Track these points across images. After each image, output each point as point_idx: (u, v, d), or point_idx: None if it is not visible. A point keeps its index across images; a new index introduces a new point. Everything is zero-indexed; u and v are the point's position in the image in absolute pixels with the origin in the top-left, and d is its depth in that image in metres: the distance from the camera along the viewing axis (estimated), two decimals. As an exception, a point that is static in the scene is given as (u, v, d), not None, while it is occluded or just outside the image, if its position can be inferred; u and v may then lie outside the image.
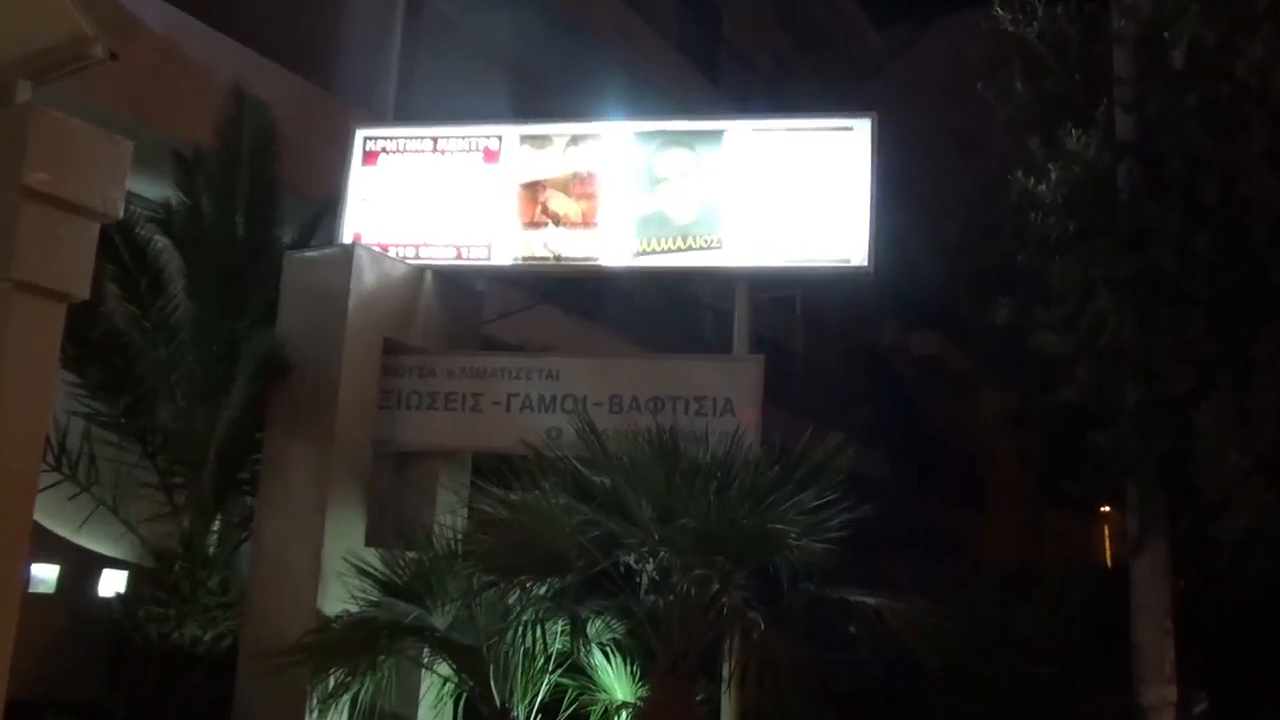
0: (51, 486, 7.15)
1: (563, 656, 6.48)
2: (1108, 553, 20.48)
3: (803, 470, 6.00)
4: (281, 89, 9.02)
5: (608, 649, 6.63)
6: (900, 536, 17.84)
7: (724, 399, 6.94)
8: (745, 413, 6.84)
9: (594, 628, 6.50)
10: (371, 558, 6.65)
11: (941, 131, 22.56)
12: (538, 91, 12.88)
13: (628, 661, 6.60)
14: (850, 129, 7.40)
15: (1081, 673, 9.74)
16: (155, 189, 7.86)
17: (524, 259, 7.62)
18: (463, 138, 7.85)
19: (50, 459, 7.12)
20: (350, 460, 7.06)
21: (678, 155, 7.59)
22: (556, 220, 7.61)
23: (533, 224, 7.64)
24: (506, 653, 6.28)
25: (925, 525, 20.92)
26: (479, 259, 7.65)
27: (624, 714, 6.53)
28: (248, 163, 7.76)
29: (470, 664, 6.30)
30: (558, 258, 7.57)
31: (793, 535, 5.69)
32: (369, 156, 7.91)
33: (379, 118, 10.51)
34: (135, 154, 4.90)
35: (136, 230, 7.68)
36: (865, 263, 7.15)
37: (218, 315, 7.62)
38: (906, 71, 21.39)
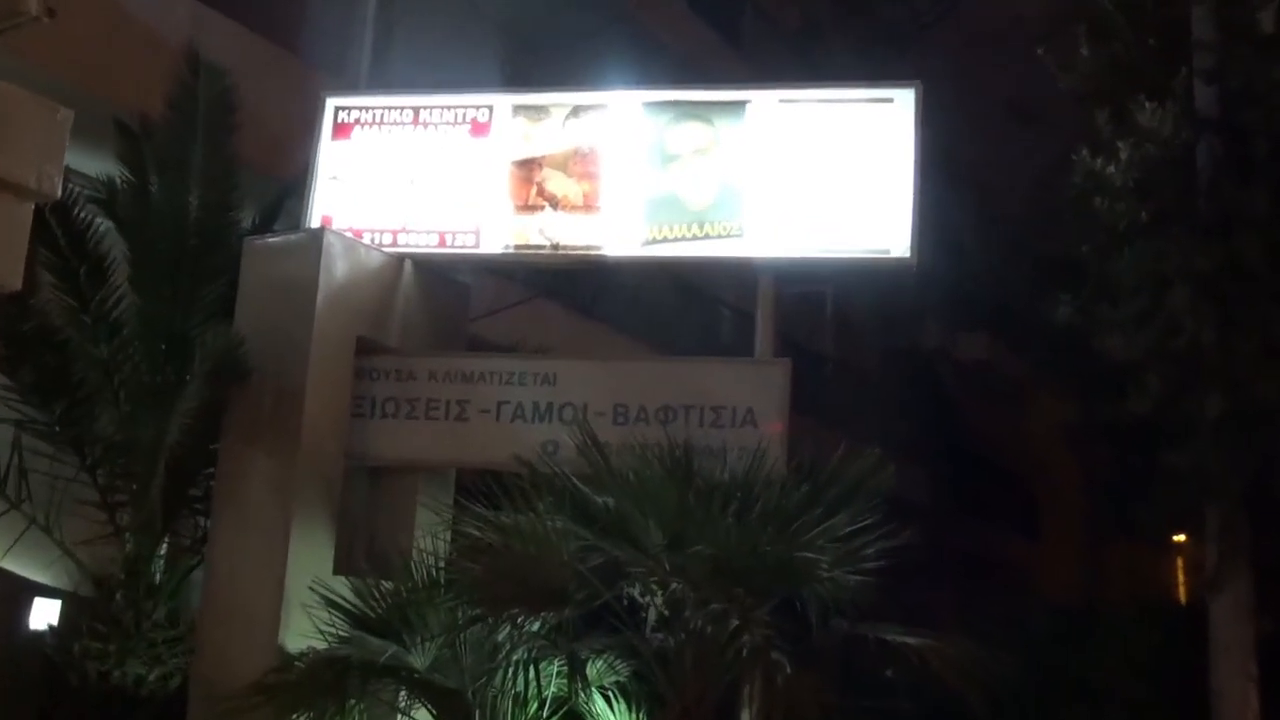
0: (-24, 504, 7.17)
1: (559, 702, 6.46)
2: (1182, 588, 20.42)
3: (835, 491, 5.98)
4: (241, 52, 9.06)
5: (610, 693, 6.61)
6: (944, 567, 17.81)
7: (745, 409, 6.92)
8: (769, 424, 6.82)
9: (595, 669, 6.48)
10: (341, 587, 6.64)
11: (995, 104, 22.50)
12: (533, 57, 12.90)
13: (633, 708, 6.58)
14: (890, 100, 7.38)
15: (1152, 724, 9.72)
16: (97, 164, 7.87)
17: (517, 247, 7.61)
18: (448, 108, 7.84)
19: (-26, 472, 7.14)
20: (318, 475, 7.06)
21: (693, 129, 7.57)
22: (554, 203, 7.60)
23: (527, 207, 7.63)
24: (495, 697, 6.26)
25: (972, 554, 20.89)
26: (466, 247, 7.65)
27: (628, 768, 6.52)
28: (202, 135, 7.77)
29: (453, 709, 6.28)
30: (555, 246, 7.56)
31: (823, 565, 5.67)
32: (340, 129, 7.91)
33: (352, 85, 10.50)
34: (75, 124, 4.90)
35: (76, 211, 7.69)
36: (907, 254, 7.13)
37: (167, 309, 7.63)
38: (955, 35, 21.36)
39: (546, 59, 12.71)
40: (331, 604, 6.47)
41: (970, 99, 19.61)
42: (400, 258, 7.67)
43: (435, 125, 7.83)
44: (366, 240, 7.63)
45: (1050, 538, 24.13)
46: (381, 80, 10.91)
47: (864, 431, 13.75)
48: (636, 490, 5.97)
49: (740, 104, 7.56)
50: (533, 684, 6.22)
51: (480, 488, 6.29)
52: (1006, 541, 23.23)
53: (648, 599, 5.91)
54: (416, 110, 7.88)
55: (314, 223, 7.71)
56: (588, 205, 7.57)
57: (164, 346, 7.55)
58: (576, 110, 7.72)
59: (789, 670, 5.32)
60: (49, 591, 8.16)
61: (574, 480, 6.10)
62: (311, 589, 6.60)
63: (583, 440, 6.29)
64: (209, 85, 7.81)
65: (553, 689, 6.39)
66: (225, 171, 7.85)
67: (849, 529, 5.85)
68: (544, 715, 6.44)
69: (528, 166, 7.68)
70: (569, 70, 11.14)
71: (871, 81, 7.65)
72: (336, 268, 7.30)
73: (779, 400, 6.94)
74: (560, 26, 13.12)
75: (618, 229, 7.49)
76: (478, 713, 6.25)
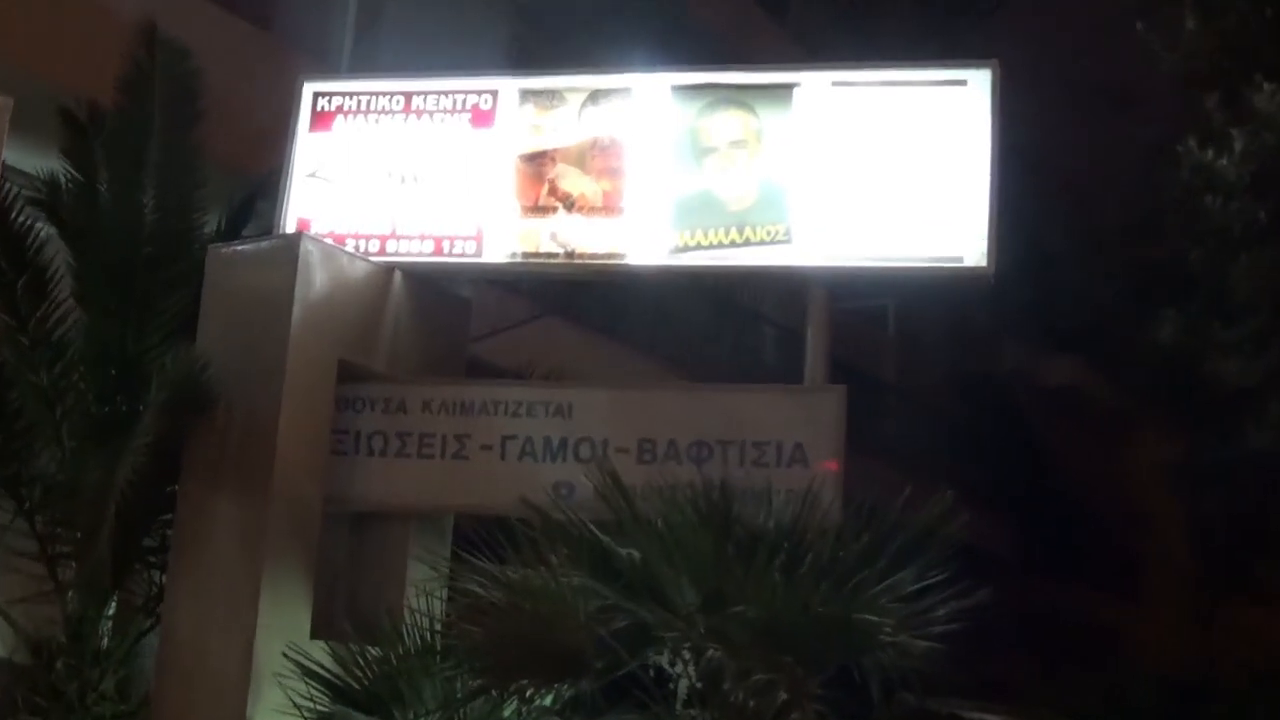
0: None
1: (574, 788, 6.44)
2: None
3: (899, 541, 5.93)
4: (205, 29, 9.12)
5: (635, 779, 6.59)
6: (1028, 630, 17.72)
7: (793, 444, 6.91)
8: (821, 462, 6.80)
9: (617, 750, 6.46)
10: (320, 653, 6.63)
11: (1085, 88, 22.49)
12: (544, 34, 12.99)
13: (661, 796, 6.56)
14: (963, 83, 7.38)
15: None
16: (39, 160, 7.93)
17: (525, 255, 7.63)
18: (445, 94, 7.87)
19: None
20: (293, 523, 7.08)
21: (731, 118, 7.58)
22: (569, 204, 7.63)
23: (537, 209, 7.65)
24: (499, 782, 6.25)
25: (1060, 615, 20.76)
26: (465, 255, 7.67)
27: None
28: (160, 126, 7.81)
29: (450, 797, 6.27)
30: (570, 254, 7.58)
31: (886, 628, 5.63)
32: (320, 119, 7.95)
33: (334, 69, 10.61)
34: (14, 114, 4.96)
35: (13, 215, 7.73)
36: (983, 262, 7.12)
37: (118, 328, 7.66)
38: (1037, 7, 21.38)
39: (559, 37, 12.78)
40: (309, 673, 6.45)
41: (1056, 82, 19.63)
42: (389, 268, 7.69)
43: (430, 114, 7.86)
44: (350, 248, 7.66)
45: (1153, 596, 23.94)
46: (368, 63, 11.03)
47: (932, 471, 13.72)
48: (666, 540, 5.94)
49: (786, 88, 7.56)
50: (544, 768, 6.20)
51: (483, 537, 6.27)
52: (1101, 601, 23.07)
53: (679, 668, 5.88)
54: (408, 96, 7.91)
55: (289, 227, 7.75)
56: (608, 206, 7.59)
57: (114, 372, 7.58)
58: (595, 96, 7.74)
59: (846, 753, 5.29)
60: (-21, 658, 8.19)
61: (592, 529, 6.08)
62: (285, 656, 6.59)
63: (602, 481, 6.24)
64: (168, 67, 7.86)
65: (567, 773, 6.38)
66: (187, 168, 7.90)
67: (916, 586, 5.80)
68: (558, 804, 6.43)
69: (538, 162, 7.70)
70: (586, 50, 11.20)
71: (941, 61, 7.67)
72: (315, 280, 7.34)
73: (833, 434, 6.93)
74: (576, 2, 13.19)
75: (643, 234, 7.51)
76: (480, 801, 6.25)
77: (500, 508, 6.80)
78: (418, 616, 6.60)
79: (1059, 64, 20.55)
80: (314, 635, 6.98)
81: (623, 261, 7.53)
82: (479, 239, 7.67)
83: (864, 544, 5.93)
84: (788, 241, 7.35)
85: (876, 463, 13.31)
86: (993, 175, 7.20)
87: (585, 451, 7.07)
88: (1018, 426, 22.18)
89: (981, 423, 20.91)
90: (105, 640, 7.45)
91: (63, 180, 7.92)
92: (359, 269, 7.59)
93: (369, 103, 7.94)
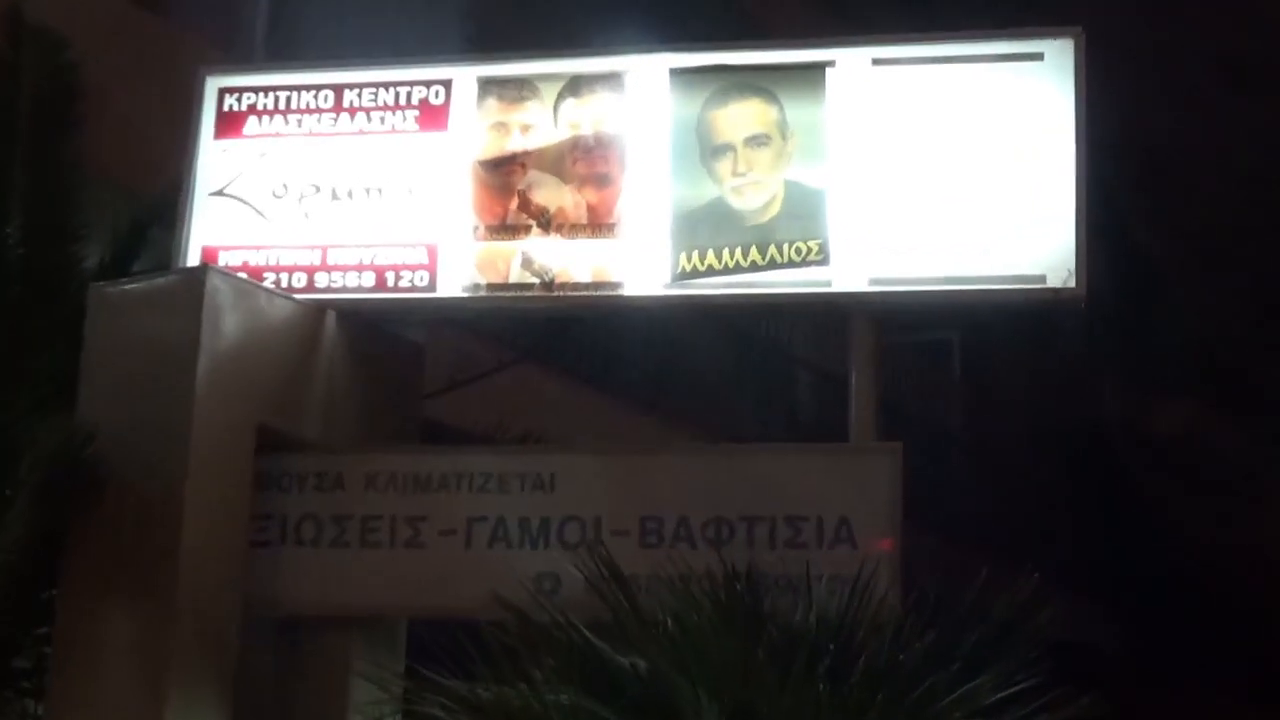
0: None
1: None
2: None
3: (974, 638, 5.95)
4: (79, 11, 9.16)
5: None
6: (1142, 751, 17.63)
7: (837, 519, 6.93)
8: (873, 541, 6.81)
9: None
10: (241, 800, 6.64)
11: (1199, 59, 22.58)
12: (508, 6, 13.03)
13: None
14: (1039, 56, 7.44)
15: None
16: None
17: (490, 287, 7.67)
18: (385, 87, 7.91)
19: None
20: (204, 635, 7.06)
21: (748, 108, 7.63)
22: (544, 221, 7.66)
23: (504, 228, 7.69)
24: None
25: (1183, 730, 20.68)
26: (415, 289, 7.70)
27: None
28: (28, 135, 7.85)
29: None
30: (548, 284, 7.61)
31: (960, 750, 5.64)
32: (228, 121, 7.99)
33: (243, 59, 10.64)
34: None
35: None
36: (1071, 282, 7.15)
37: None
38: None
39: (527, 10, 12.85)
40: (227, 826, 6.46)
41: (1157, 55, 19.69)
42: (319, 308, 7.72)
43: (367, 113, 7.90)
44: (269, 283, 7.69)
45: (1301, 704, 23.86)
46: (286, 50, 11.05)
47: (1013, 548, 13.69)
48: (679, 645, 5.94)
49: (817, 68, 7.60)
50: None
51: (445, 647, 6.28)
52: (1236, 709, 22.99)
53: (698, 807, 5.88)
54: (339, 91, 7.96)
55: (191, 259, 7.77)
56: (596, 223, 7.62)
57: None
58: (574, 84, 7.79)
59: None
60: None
61: (585, 632, 6.07)
62: (197, 803, 6.60)
63: (596, 572, 6.27)
64: (39, 62, 7.91)
65: None
66: (64, 186, 7.93)
67: (997, 696, 5.80)
68: None
69: (505, 169, 7.74)
70: (563, 27, 11.28)
71: (1009, 30, 7.70)
72: (225, 324, 7.34)
73: (887, 505, 6.94)
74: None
75: (640, 257, 7.55)
76: None
77: (467, 609, 6.82)
78: (364, 749, 6.60)
79: (1161, 33, 20.65)
80: (233, 776, 6.98)
81: (616, 292, 7.56)
82: (432, 268, 7.70)
83: (929, 643, 5.94)
84: (823, 261, 7.38)
85: (942, 540, 13.32)
86: (1079, 173, 7.24)
87: (573, 534, 7.08)
88: (1120, 489, 22.15)
89: (1074, 485, 20.88)
90: (-33, 788, 7.45)
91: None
92: (281, 310, 7.61)
93: (289, 100, 7.98)
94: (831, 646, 5.93)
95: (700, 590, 6.08)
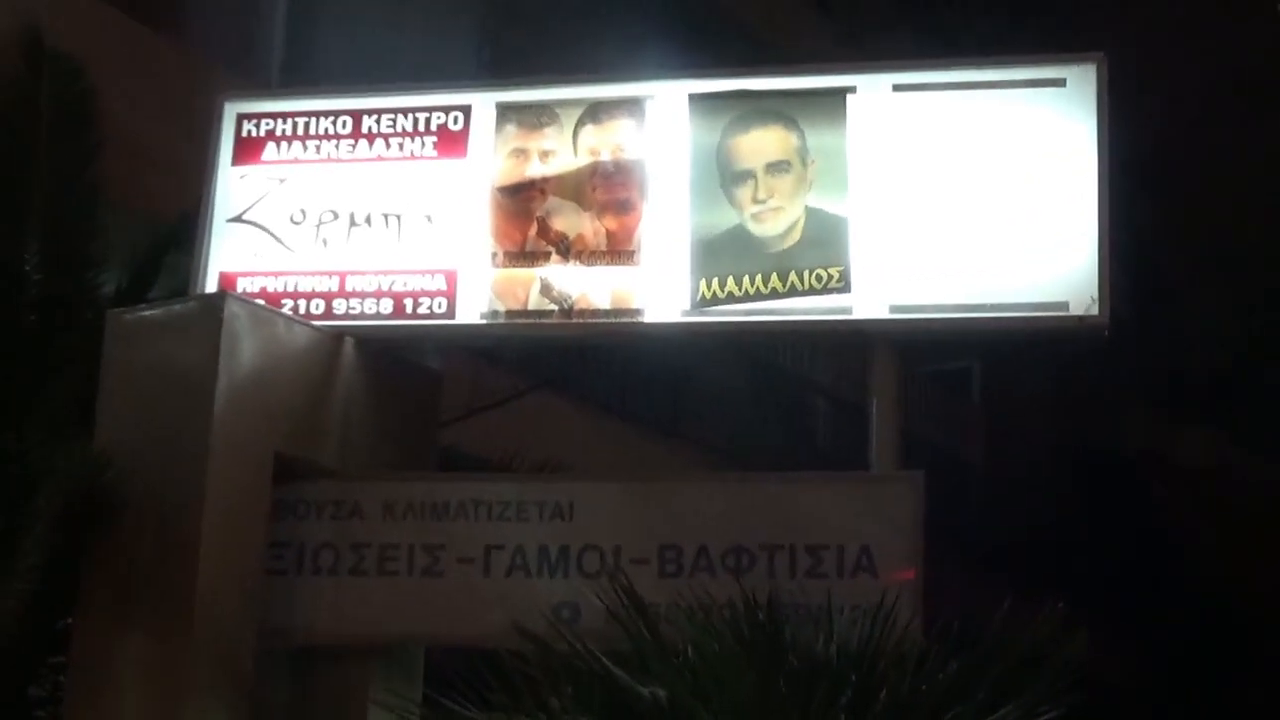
0: None
1: None
2: None
3: (999, 669, 5.94)
4: (98, 37, 9.20)
5: None
6: (1166, 784, 17.56)
7: (858, 548, 6.93)
8: (895, 570, 6.81)
9: None
10: (257, 831, 6.64)
11: (1222, 82, 22.55)
12: (526, 32, 13.06)
13: None
14: (1061, 83, 7.45)
15: None
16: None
17: (509, 314, 7.68)
18: (404, 113, 7.94)
19: None
20: (220, 663, 7.06)
21: (768, 134, 7.64)
22: (564, 247, 7.68)
23: (523, 255, 7.71)
24: None
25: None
26: (433, 316, 7.71)
27: None
28: (47, 159, 7.88)
29: None
30: (567, 311, 7.63)
31: (985, 783, 5.63)
32: (246, 148, 8.02)
33: (261, 84, 10.68)
34: None
35: None
36: (1094, 309, 7.16)
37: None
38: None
39: (547, 36, 12.87)
40: None
41: (1180, 77, 19.67)
42: (337, 335, 7.74)
43: (386, 138, 7.94)
44: (287, 309, 7.71)
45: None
46: (304, 75, 11.09)
47: (1038, 579, 13.63)
48: (700, 675, 5.94)
49: (837, 94, 7.63)
50: None
51: (463, 676, 6.28)
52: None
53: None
54: (357, 117, 7.99)
55: (209, 285, 7.80)
56: (615, 250, 7.64)
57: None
58: (594, 110, 7.82)
59: None
60: None
61: (604, 661, 6.06)
62: (213, 834, 6.60)
63: (616, 601, 6.27)
64: (58, 87, 7.94)
65: None
66: (81, 212, 7.95)
67: (1022, 727, 5.80)
68: None
69: (523, 195, 7.77)
70: (581, 52, 11.30)
71: (1030, 55, 7.74)
72: (243, 351, 7.36)
73: (908, 534, 6.94)
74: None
75: (660, 284, 7.56)
76: None
77: (485, 637, 6.86)
78: (382, 780, 6.60)
79: (1184, 54, 20.62)
80: (249, 805, 6.98)
81: (635, 319, 7.57)
82: (450, 295, 7.71)
83: (953, 674, 5.94)
84: (844, 288, 7.39)
85: (965, 569, 13.29)
86: (1102, 199, 7.25)
87: (592, 563, 7.09)
88: (1146, 519, 22.08)
89: (1098, 515, 20.81)
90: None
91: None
92: (299, 337, 7.63)
93: (308, 126, 8.01)
94: (853, 677, 5.93)
95: (721, 620, 6.08)
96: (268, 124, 8.05)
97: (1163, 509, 22.72)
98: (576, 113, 7.81)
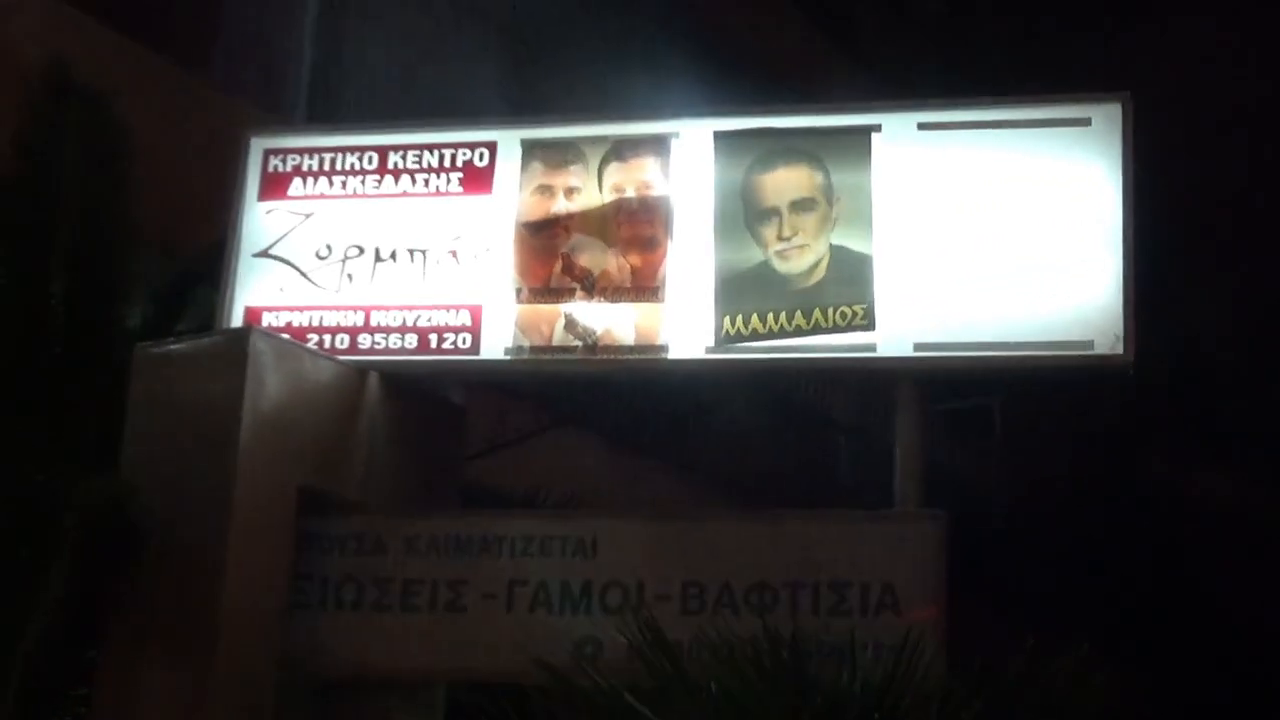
0: None
1: None
2: None
3: (1022, 708, 5.96)
4: (125, 72, 9.27)
5: None
6: (1191, 828, 17.46)
7: (880, 585, 6.95)
8: (918, 609, 6.82)
9: None
10: None
11: (1247, 119, 22.46)
12: (551, 71, 13.11)
13: None
14: (1086, 121, 7.51)
15: None
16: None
17: (533, 350, 7.73)
18: (430, 149, 8.03)
19: None
20: (241, 696, 7.08)
21: (793, 172, 7.71)
22: (588, 284, 7.73)
23: (548, 291, 7.77)
24: None
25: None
26: (458, 351, 7.76)
27: None
28: (72, 194, 7.93)
29: None
30: (591, 347, 7.68)
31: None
32: (273, 183, 8.11)
33: (287, 120, 10.74)
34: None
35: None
36: (1119, 348, 7.19)
37: (17, 453, 7.67)
38: (1185, 18, 21.39)
39: (572, 74, 12.92)
40: None
41: (1209, 111, 19.61)
42: (362, 370, 7.80)
43: (412, 174, 8.02)
44: (312, 344, 7.78)
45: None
46: (329, 112, 11.17)
47: (1061, 617, 13.65)
48: (723, 711, 5.95)
49: (863, 131, 7.68)
50: None
51: (486, 712, 6.31)
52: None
53: None
54: (383, 153, 8.07)
55: (235, 320, 7.88)
56: (639, 286, 7.70)
57: (14, 509, 7.62)
58: (618, 148, 7.89)
59: None
60: None
61: (628, 697, 6.08)
62: None
63: (639, 637, 6.29)
64: (85, 120, 7.99)
65: None
66: (108, 245, 7.98)
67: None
68: None
69: (549, 232, 7.83)
70: (606, 91, 11.35)
71: (1056, 95, 7.78)
72: (268, 385, 7.42)
73: (931, 572, 6.96)
74: (589, 27, 13.35)
75: (684, 320, 7.61)
76: None
77: (508, 673, 6.91)
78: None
79: (1214, 89, 20.52)
80: (271, 841, 7.00)
81: (659, 356, 7.61)
82: (475, 331, 7.77)
83: (976, 712, 5.92)
84: (868, 326, 7.43)
85: (986, 608, 13.28)
86: (1127, 238, 7.29)
87: (615, 599, 7.11)
88: (1169, 557, 21.99)
89: (1122, 553, 20.74)
90: None
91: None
92: (324, 371, 7.69)
93: (334, 162, 8.09)
94: (876, 716, 5.93)
95: (743, 656, 6.08)
96: (294, 159, 8.13)
97: (1189, 547, 22.62)
98: (601, 150, 7.87)
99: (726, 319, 7.57)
